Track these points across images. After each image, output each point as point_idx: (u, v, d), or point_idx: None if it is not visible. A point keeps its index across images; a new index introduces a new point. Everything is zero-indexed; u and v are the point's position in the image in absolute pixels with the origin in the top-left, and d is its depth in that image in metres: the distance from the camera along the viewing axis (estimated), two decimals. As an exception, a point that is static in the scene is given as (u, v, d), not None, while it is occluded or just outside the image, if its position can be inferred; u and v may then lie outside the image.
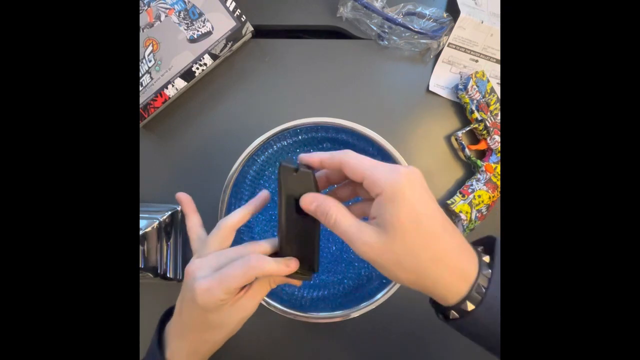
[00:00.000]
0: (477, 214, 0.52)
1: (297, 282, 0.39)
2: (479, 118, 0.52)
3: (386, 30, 0.53)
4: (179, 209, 0.53)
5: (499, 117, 0.52)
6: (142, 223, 0.50)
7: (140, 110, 0.51)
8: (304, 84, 0.55)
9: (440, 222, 0.29)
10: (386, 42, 0.54)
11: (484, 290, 0.29)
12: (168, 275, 0.52)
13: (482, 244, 0.34)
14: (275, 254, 0.37)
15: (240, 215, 0.38)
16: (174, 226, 0.53)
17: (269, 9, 0.55)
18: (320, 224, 0.35)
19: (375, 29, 0.53)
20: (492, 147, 0.53)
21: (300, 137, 0.50)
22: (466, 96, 0.52)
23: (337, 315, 0.46)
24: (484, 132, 0.53)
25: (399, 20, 0.52)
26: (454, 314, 0.31)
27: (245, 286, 0.36)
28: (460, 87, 0.53)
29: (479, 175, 0.53)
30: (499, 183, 0.52)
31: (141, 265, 0.50)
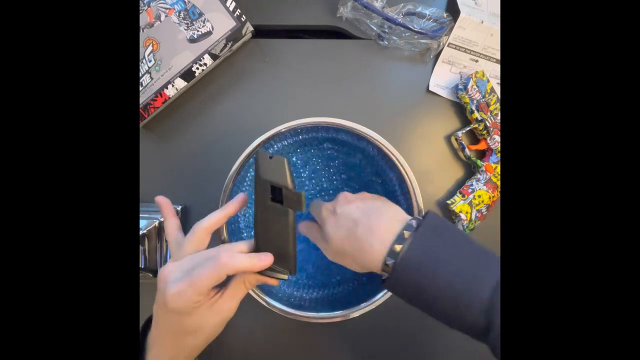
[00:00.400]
0: (477, 214, 0.52)
1: (274, 282, 0.38)
2: (479, 118, 0.52)
3: (386, 30, 0.53)
4: (179, 208, 0.53)
5: (499, 117, 0.52)
6: (142, 223, 0.50)
7: (140, 110, 0.51)
8: (304, 84, 0.55)
9: (352, 220, 0.38)
10: (386, 42, 0.54)
11: (396, 259, 0.34)
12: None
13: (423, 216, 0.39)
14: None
15: (215, 218, 0.38)
16: (174, 226, 0.53)
17: (269, 9, 0.55)
18: (295, 215, 0.37)
19: (375, 29, 0.53)
20: (492, 147, 0.53)
21: (300, 137, 0.50)
22: (466, 96, 0.52)
23: (337, 315, 0.46)
24: (484, 132, 0.53)
25: (399, 20, 0.52)
26: (381, 278, 0.37)
27: (221, 288, 0.36)
28: (460, 87, 0.53)
29: (479, 175, 0.53)
30: (499, 183, 0.52)
31: (141, 265, 0.50)
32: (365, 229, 0.37)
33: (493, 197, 0.52)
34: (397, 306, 0.48)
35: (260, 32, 0.55)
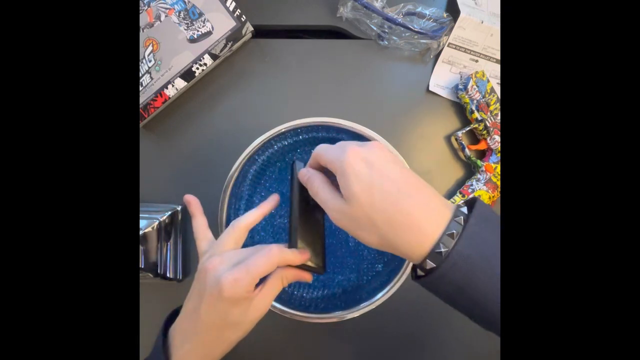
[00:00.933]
0: None
1: (309, 277, 0.39)
2: (479, 118, 0.52)
3: (386, 30, 0.53)
4: (179, 208, 0.53)
5: (499, 117, 0.52)
6: (142, 223, 0.50)
7: (140, 110, 0.51)
8: (304, 84, 0.55)
9: (395, 186, 0.31)
10: (386, 42, 0.54)
11: (448, 248, 0.30)
12: (168, 275, 0.52)
13: (467, 204, 0.34)
14: None
15: (254, 216, 0.40)
16: (174, 226, 0.53)
17: (269, 9, 0.55)
18: (325, 216, 0.38)
19: (375, 29, 0.53)
20: (492, 147, 0.53)
21: (300, 137, 0.50)
22: (466, 96, 0.52)
23: (337, 315, 0.46)
24: (484, 132, 0.53)
25: (399, 20, 0.52)
26: (419, 272, 0.32)
27: (259, 285, 0.37)
28: (460, 87, 0.53)
29: (479, 175, 0.53)
30: (499, 183, 0.52)
31: (141, 265, 0.50)
32: (415, 202, 0.31)
33: (493, 197, 0.52)
34: (397, 306, 0.48)
35: (260, 32, 0.55)
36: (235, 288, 0.34)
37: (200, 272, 0.36)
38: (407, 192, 0.31)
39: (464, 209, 0.32)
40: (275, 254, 0.36)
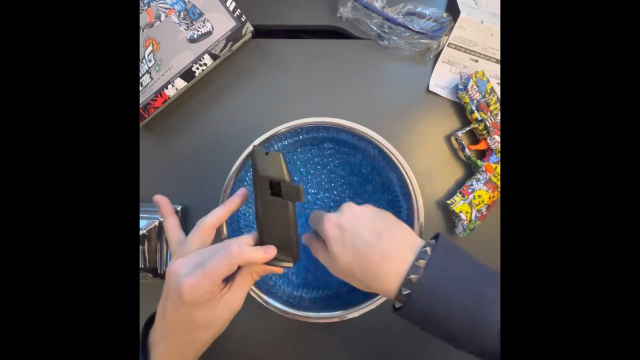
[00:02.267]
0: (477, 214, 0.52)
1: (279, 270, 0.39)
2: (479, 118, 0.52)
3: (386, 30, 0.53)
4: (179, 208, 0.53)
5: (499, 117, 0.52)
6: (142, 223, 0.50)
7: (140, 110, 0.51)
8: (304, 84, 0.55)
9: (360, 242, 0.37)
10: (386, 42, 0.54)
11: (413, 284, 0.34)
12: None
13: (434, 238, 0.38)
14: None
15: (219, 214, 0.39)
16: (174, 226, 0.53)
17: (269, 9, 0.55)
18: (294, 206, 0.38)
19: (375, 29, 0.53)
20: (492, 147, 0.53)
21: (301, 136, 0.50)
22: (466, 96, 0.52)
23: (337, 316, 0.46)
24: (484, 132, 0.53)
25: (399, 20, 0.52)
26: (394, 307, 0.37)
27: (228, 282, 0.37)
28: (460, 87, 0.53)
29: (479, 175, 0.53)
30: (499, 183, 0.52)
31: (141, 265, 0.50)
32: (377, 253, 0.36)
33: (493, 197, 0.52)
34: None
35: (260, 32, 0.54)
36: (194, 293, 0.34)
37: (166, 275, 0.36)
38: (373, 245, 0.36)
39: (427, 249, 0.36)
40: (234, 255, 0.35)
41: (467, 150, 0.53)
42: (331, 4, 0.55)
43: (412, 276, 0.34)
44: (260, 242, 0.38)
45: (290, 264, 0.39)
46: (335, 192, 0.52)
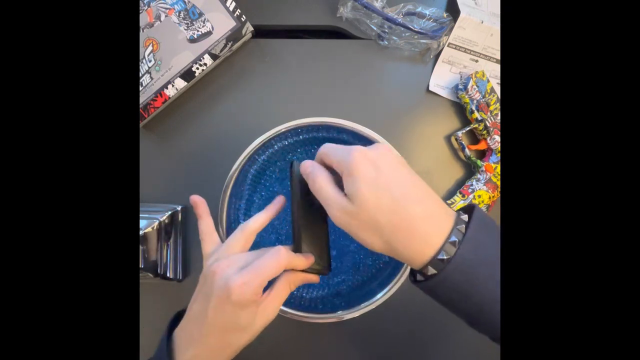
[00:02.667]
0: None
1: (315, 279, 0.39)
2: (479, 118, 0.52)
3: (386, 30, 0.53)
4: (179, 209, 0.53)
5: (499, 117, 0.52)
6: (142, 223, 0.50)
7: (140, 110, 0.51)
8: (304, 84, 0.55)
9: (402, 191, 0.31)
10: (386, 42, 0.54)
11: (450, 255, 0.30)
12: (168, 275, 0.52)
13: (465, 211, 0.34)
14: None
15: (262, 220, 0.39)
16: (174, 226, 0.53)
17: (269, 9, 0.55)
18: (328, 217, 0.36)
19: (375, 29, 0.53)
20: (492, 147, 0.53)
21: (301, 137, 0.50)
22: (466, 96, 0.52)
23: (337, 316, 0.46)
24: (484, 132, 0.53)
25: (399, 20, 0.52)
26: (419, 276, 0.33)
27: (266, 290, 0.36)
28: (460, 87, 0.53)
29: (479, 175, 0.53)
30: (499, 183, 0.52)
31: (141, 265, 0.50)
32: (421, 210, 0.31)
33: (493, 197, 0.52)
34: (397, 306, 0.48)
35: (260, 32, 0.55)
36: (243, 291, 0.33)
37: (207, 275, 0.36)
38: (413, 199, 0.31)
39: (464, 217, 0.32)
40: (283, 257, 0.35)
41: (467, 150, 0.53)
42: (331, 4, 0.55)
43: (450, 241, 0.31)
44: (296, 250, 0.39)
45: (325, 272, 0.39)
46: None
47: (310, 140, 0.51)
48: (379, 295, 0.45)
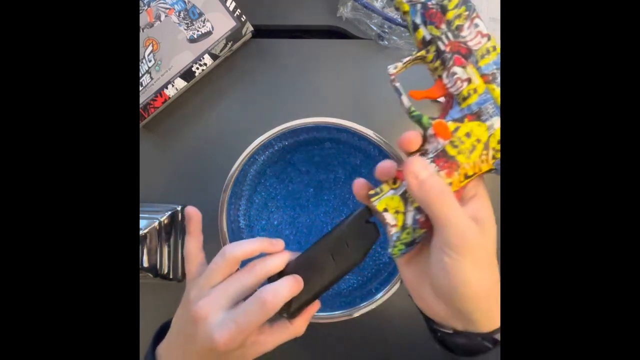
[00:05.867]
0: (417, 217, 0.30)
1: (314, 309, 0.37)
2: (427, 37, 0.31)
3: (386, 30, 0.53)
4: (179, 208, 0.53)
5: (465, 33, 0.30)
6: (142, 223, 0.50)
7: (140, 110, 0.51)
8: (304, 84, 0.55)
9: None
10: (386, 42, 0.54)
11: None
12: (168, 275, 0.52)
13: None
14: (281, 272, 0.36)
15: (248, 249, 0.36)
16: (174, 226, 0.53)
17: (269, 9, 0.55)
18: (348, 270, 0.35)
19: (375, 29, 0.53)
20: (450, 89, 0.31)
21: (301, 137, 0.50)
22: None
23: (337, 315, 0.45)
24: (436, 63, 0.31)
25: (399, 20, 0.52)
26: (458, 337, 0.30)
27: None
28: None
29: (427, 145, 0.31)
30: (463, 159, 0.30)
31: (141, 265, 0.50)
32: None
33: (450, 183, 0.30)
34: (396, 306, 0.48)
35: (260, 32, 0.55)
36: (229, 347, 0.32)
37: (189, 318, 0.34)
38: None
39: None
40: (270, 307, 0.32)
41: (405, 99, 0.32)
42: (331, 3, 0.55)
43: None
44: (288, 267, 0.36)
45: (289, 318, 0.36)
46: (334, 194, 0.52)
47: (310, 140, 0.51)
48: (379, 295, 0.45)
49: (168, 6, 0.50)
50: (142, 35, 0.51)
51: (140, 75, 0.51)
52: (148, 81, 0.51)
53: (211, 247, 0.47)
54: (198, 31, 0.51)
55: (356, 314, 0.45)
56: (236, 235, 0.50)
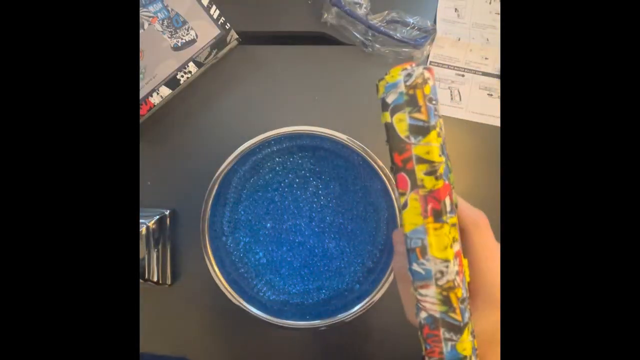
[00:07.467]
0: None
1: None
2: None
3: (370, 38, 0.53)
4: (166, 213, 0.54)
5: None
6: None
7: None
8: (289, 90, 0.55)
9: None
10: (370, 50, 0.54)
11: None
12: (157, 279, 0.52)
13: None
14: None
15: None
16: (162, 230, 0.53)
17: (254, 15, 0.55)
18: None
19: (359, 36, 0.53)
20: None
21: (284, 144, 0.50)
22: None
23: (331, 321, 0.47)
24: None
25: (382, 28, 0.52)
26: None
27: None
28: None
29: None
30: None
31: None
32: None
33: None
34: (395, 306, 0.49)
35: (246, 39, 0.54)
36: None
37: None
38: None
39: None
40: None
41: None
42: (316, 10, 0.54)
43: None
44: None
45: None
46: (321, 198, 0.53)
47: (294, 147, 0.51)
48: (373, 296, 0.46)
49: (151, 14, 0.50)
50: (126, 43, 0.50)
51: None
52: (133, 89, 0.51)
53: (194, 252, 0.48)
54: (182, 39, 0.50)
55: (350, 317, 0.46)
56: (219, 240, 0.51)
